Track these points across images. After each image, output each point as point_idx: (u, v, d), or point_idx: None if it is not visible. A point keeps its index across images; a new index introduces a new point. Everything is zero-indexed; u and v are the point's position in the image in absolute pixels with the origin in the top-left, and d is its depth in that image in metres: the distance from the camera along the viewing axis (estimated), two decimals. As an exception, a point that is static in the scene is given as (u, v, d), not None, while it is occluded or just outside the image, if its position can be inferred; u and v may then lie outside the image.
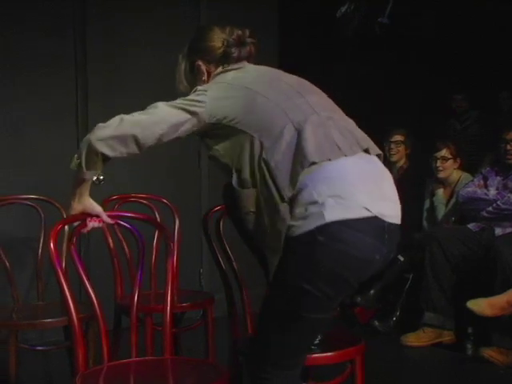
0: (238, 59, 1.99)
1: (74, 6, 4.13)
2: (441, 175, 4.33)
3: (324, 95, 2.02)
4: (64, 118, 4.15)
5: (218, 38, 2.00)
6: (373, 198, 1.80)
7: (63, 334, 3.03)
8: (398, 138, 4.64)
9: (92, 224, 1.99)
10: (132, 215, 2.22)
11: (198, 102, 1.84)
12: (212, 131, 1.88)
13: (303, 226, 1.75)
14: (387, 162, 4.69)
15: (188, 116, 1.83)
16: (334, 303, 1.85)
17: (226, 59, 1.99)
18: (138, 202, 3.27)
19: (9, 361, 2.64)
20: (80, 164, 1.87)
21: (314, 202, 1.74)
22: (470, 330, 3.74)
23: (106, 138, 1.81)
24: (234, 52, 1.98)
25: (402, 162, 4.68)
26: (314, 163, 1.77)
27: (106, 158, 1.84)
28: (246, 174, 1.82)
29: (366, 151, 1.90)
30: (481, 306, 3.43)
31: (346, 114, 2.02)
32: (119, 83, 4.28)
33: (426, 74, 5.20)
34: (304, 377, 2.35)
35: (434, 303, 3.89)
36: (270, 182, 1.78)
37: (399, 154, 4.65)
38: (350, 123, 1.96)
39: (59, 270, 1.89)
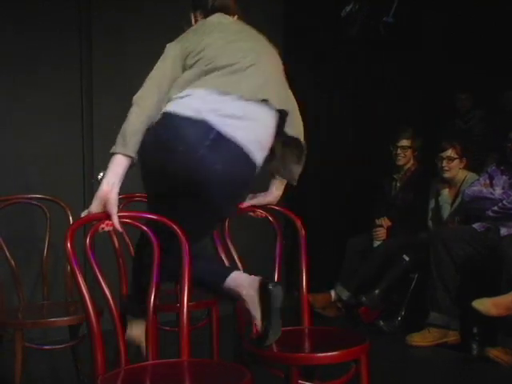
0: (213, 7, 2.39)
1: (79, 5, 4.14)
2: (446, 175, 4.32)
3: (274, 59, 2.35)
4: (68, 117, 4.16)
5: None
6: (219, 116, 2.14)
7: (68, 334, 3.03)
8: (404, 143, 4.61)
9: (104, 229, 2.04)
10: (148, 216, 2.20)
11: (171, 46, 2.31)
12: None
13: None
14: (394, 165, 4.68)
15: (170, 59, 2.26)
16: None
17: (204, 7, 2.42)
18: (143, 202, 3.26)
19: (15, 359, 2.64)
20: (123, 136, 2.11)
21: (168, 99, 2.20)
22: (475, 330, 3.72)
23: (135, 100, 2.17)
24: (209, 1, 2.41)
25: (409, 164, 4.66)
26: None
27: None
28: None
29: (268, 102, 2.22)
30: (486, 305, 3.43)
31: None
32: (124, 82, 4.26)
33: (430, 73, 5.18)
34: (309, 376, 2.36)
35: (439, 303, 3.88)
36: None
37: (406, 158, 4.62)
38: (274, 77, 2.29)
39: (76, 270, 1.87)
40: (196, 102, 2.16)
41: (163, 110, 2.17)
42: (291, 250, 2.78)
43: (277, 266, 2.46)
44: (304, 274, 2.45)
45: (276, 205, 2.55)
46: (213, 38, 2.27)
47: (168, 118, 2.16)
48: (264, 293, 2.10)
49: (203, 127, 2.13)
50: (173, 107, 2.17)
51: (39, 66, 4.04)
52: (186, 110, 2.15)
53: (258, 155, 2.22)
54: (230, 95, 2.18)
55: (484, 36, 5.01)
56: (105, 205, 2.04)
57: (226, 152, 2.14)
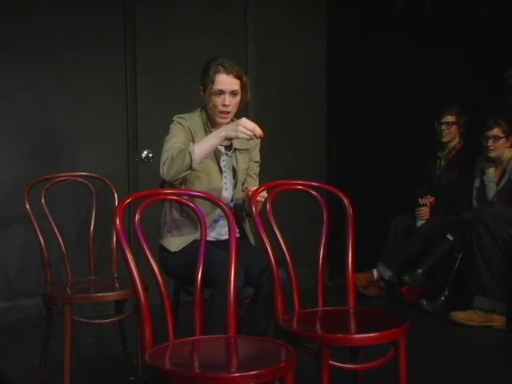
0: None
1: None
2: (492, 154, 4.22)
3: None
4: (113, 97, 4.22)
5: None
6: None
7: (113, 309, 3.10)
8: (448, 119, 4.52)
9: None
10: (196, 194, 2.30)
11: None
12: None
13: None
14: (439, 143, 4.61)
15: None
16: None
17: None
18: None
19: (64, 332, 2.71)
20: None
21: None
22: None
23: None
24: None
25: (454, 142, 4.57)
26: None
27: None
28: None
29: None
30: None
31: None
32: (167, 63, 4.33)
33: (478, 49, 5.05)
34: (354, 357, 2.35)
35: (484, 287, 3.82)
36: None
37: (450, 134, 4.53)
38: None
39: (125, 246, 1.90)
40: None
41: None
42: (332, 229, 2.77)
43: (322, 244, 2.43)
44: (350, 255, 2.41)
45: (321, 183, 2.53)
46: None
47: None
48: None
49: None
50: None
51: (84, 47, 4.11)
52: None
53: None
54: None
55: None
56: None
57: None
